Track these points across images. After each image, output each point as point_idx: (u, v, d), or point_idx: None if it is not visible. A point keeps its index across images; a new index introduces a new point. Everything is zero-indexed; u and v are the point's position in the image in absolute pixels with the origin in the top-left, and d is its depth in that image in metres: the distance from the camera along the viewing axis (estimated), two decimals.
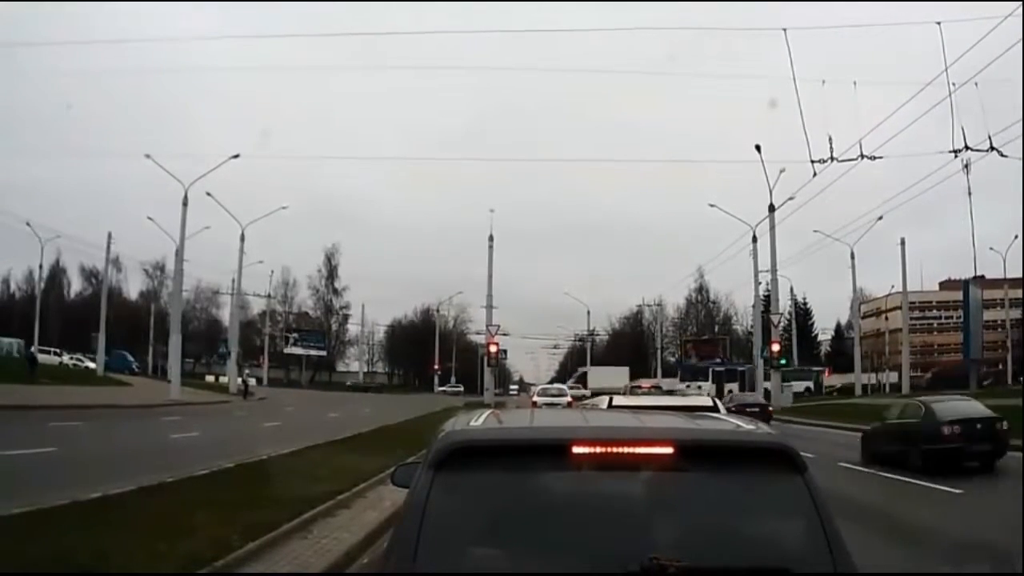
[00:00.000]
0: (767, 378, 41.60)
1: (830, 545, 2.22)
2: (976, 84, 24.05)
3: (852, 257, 52.19)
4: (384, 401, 47.80)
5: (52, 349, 51.56)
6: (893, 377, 58.89)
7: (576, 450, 2.29)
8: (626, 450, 2.36)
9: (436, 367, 70.35)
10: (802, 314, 71.55)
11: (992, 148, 23.52)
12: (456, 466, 2.29)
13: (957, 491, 11.84)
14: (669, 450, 2.31)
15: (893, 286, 60.65)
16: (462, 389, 69.66)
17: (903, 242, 49.62)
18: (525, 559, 2.17)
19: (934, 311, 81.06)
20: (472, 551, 2.21)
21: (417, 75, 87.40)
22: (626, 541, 2.19)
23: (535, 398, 35.25)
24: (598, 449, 2.31)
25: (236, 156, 38.57)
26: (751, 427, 2.73)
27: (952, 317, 73.07)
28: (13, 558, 5.87)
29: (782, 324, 46.05)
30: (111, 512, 7.85)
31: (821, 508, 2.29)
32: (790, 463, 2.37)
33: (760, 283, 44.37)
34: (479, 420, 2.69)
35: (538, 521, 2.22)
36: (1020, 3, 18.86)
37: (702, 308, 75.97)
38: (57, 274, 68.99)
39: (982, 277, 52.30)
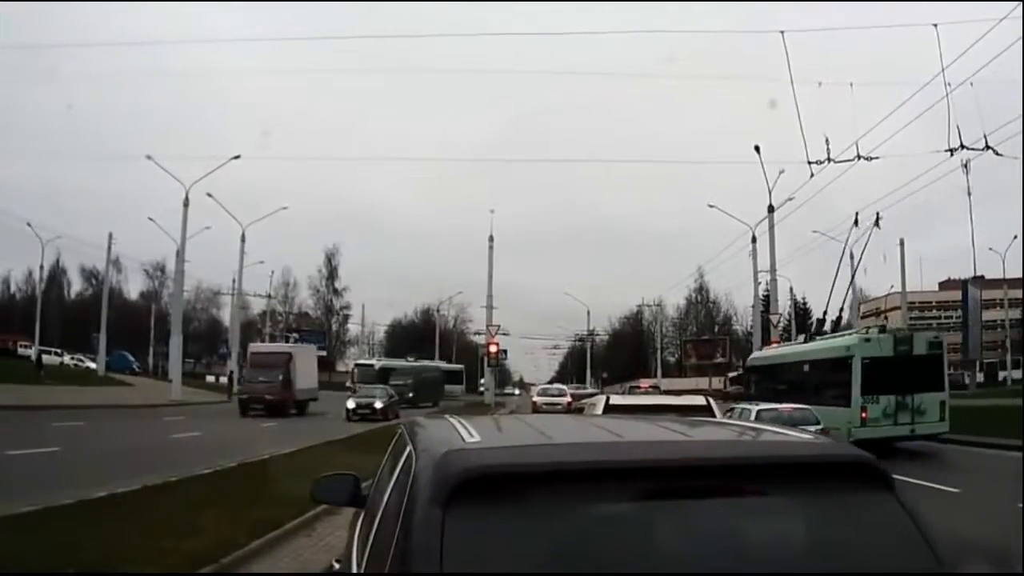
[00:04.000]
0: None
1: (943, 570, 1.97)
2: (971, 84, 24.13)
3: (852, 257, 52.08)
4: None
5: (53, 349, 51.60)
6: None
7: (631, 474, 1.84)
8: (689, 472, 1.90)
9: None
10: (801, 314, 71.62)
11: (988, 147, 23.55)
12: (472, 501, 1.72)
13: (957, 491, 11.89)
14: (742, 472, 1.94)
15: (892, 286, 60.73)
16: (462, 389, 69.74)
17: (902, 242, 49.68)
18: None
19: (933, 311, 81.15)
20: None
21: (418, 78, 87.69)
22: None
23: (535, 398, 35.33)
24: (653, 472, 1.87)
25: (237, 157, 38.61)
26: (816, 438, 2.32)
27: (952, 317, 73.12)
28: (21, 557, 5.92)
29: (781, 324, 46.03)
30: (116, 511, 7.91)
31: (924, 531, 2.02)
32: (877, 477, 2.00)
33: (760, 283, 44.35)
34: (472, 433, 2.16)
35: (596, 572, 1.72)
36: (1019, 3, 18.90)
37: (702, 308, 76.02)
38: (57, 274, 68.98)
39: (981, 277, 52.35)
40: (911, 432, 18.00)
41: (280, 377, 31.54)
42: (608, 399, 7.85)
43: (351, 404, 29.90)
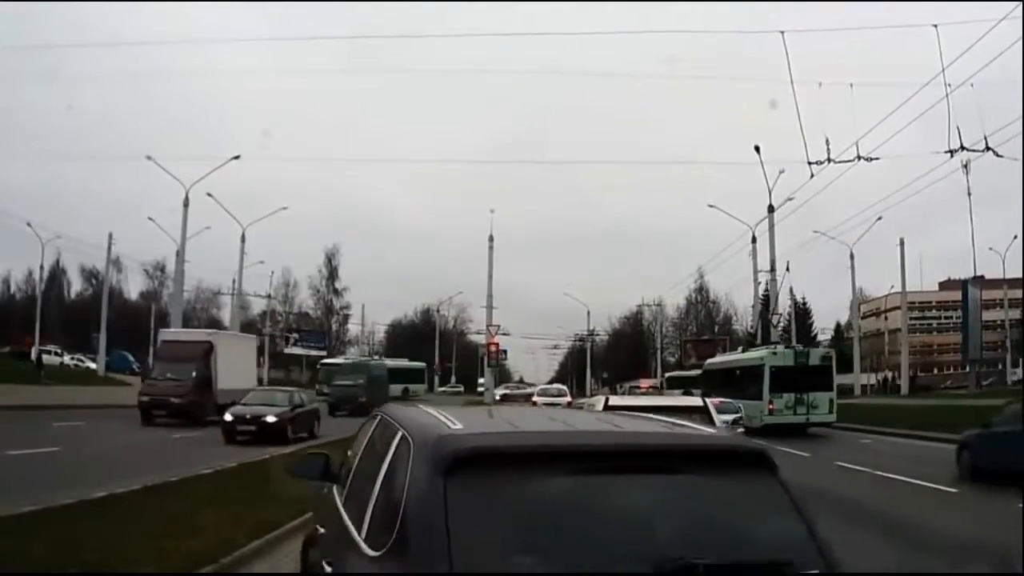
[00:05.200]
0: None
1: (815, 538, 2.50)
2: (972, 85, 24.17)
3: (852, 258, 52.29)
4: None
5: (53, 349, 51.58)
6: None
7: (578, 456, 2.51)
8: (621, 455, 2.59)
9: (436, 367, 70.43)
10: (802, 314, 71.59)
11: (988, 148, 23.58)
12: (463, 471, 2.33)
13: (957, 491, 11.90)
14: (661, 455, 2.62)
15: (893, 286, 60.79)
16: (462, 389, 69.69)
17: (902, 242, 49.78)
18: (556, 562, 2.23)
19: (933, 311, 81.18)
20: (502, 557, 2.21)
21: (418, 78, 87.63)
22: (641, 542, 2.36)
23: (535, 398, 35.37)
24: (574, 450, 2.56)
25: (237, 157, 38.58)
26: (729, 433, 3.16)
27: (952, 317, 73.14)
28: (21, 557, 5.92)
29: (781, 324, 46.05)
30: (117, 510, 7.92)
31: (799, 504, 2.56)
32: (765, 464, 2.66)
33: (760, 283, 44.40)
34: (454, 421, 2.72)
35: (555, 526, 2.33)
36: (1019, 3, 18.91)
37: (702, 308, 75.99)
38: (57, 274, 68.94)
39: (981, 277, 52.36)
40: (806, 420, 24.75)
41: (194, 374, 24.38)
42: (607, 400, 8.06)
43: (229, 416, 19.36)
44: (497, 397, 44.19)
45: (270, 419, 18.90)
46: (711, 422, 7.42)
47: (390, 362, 54.20)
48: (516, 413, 4.89)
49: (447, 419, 2.77)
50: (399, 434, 2.95)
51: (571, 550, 2.28)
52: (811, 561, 2.44)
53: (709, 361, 36.90)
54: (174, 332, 31.43)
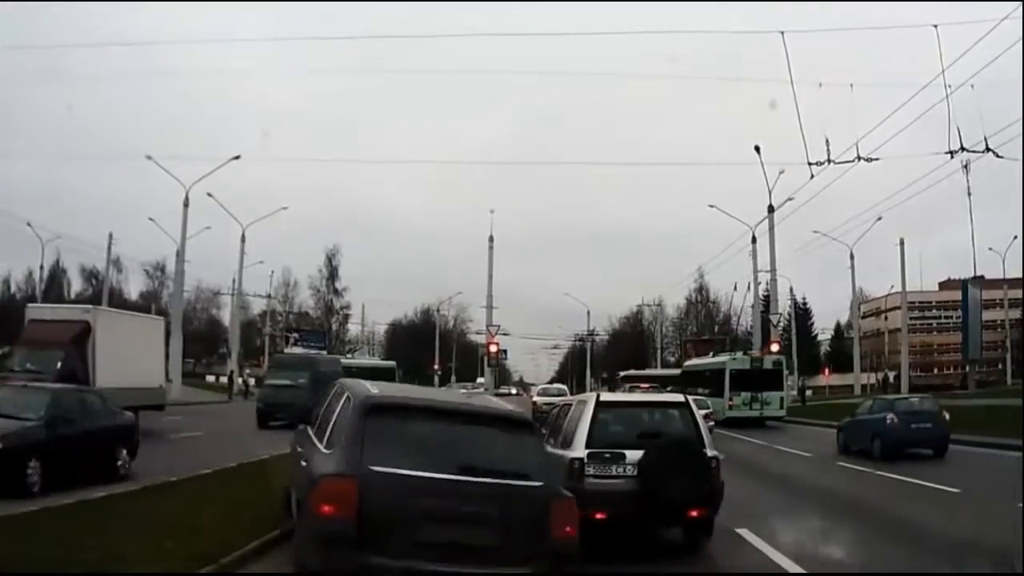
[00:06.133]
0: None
1: (553, 470, 6.02)
2: (972, 86, 24.17)
3: (852, 258, 52.25)
4: None
5: None
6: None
7: (428, 409, 5.79)
8: (450, 412, 5.83)
9: (436, 367, 70.35)
10: (802, 314, 71.57)
11: (988, 149, 23.57)
12: (375, 414, 5.44)
13: (957, 491, 11.89)
14: (475, 415, 5.86)
15: (892, 286, 60.74)
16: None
17: (902, 242, 49.71)
18: (409, 457, 5.23)
19: (933, 311, 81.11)
20: (390, 455, 5.21)
21: (419, 78, 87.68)
22: (454, 455, 5.32)
23: (535, 398, 35.42)
24: (439, 410, 5.85)
25: (237, 157, 38.60)
26: (516, 408, 6.59)
27: (952, 317, 73.07)
28: (21, 558, 5.91)
29: (781, 324, 46.06)
30: (117, 510, 7.92)
31: (543, 448, 6.26)
32: (531, 427, 6.05)
33: (760, 283, 44.44)
34: (375, 389, 6.05)
35: (417, 443, 5.38)
36: (1019, 3, 18.90)
37: (702, 308, 75.96)
38: (57, 275, 68.83)
39: (981, 277, 52.31)
40: (760, 415, 29.89)
41: (59, 364, 17.42)
42: (599, 396, 8.56)
43: None
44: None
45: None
46: (692, 417, 8.21)
47: (359, 360, 50.96)
48: (422, 391, 8.06)
49: (373, 388, 6.06)
50: (346, 394, 6.13)
51: (420, 455, 5.27)
52: (542, 477, 5.50)
53: (686, 364, 43.48)
54: (41, 308, 24.30)
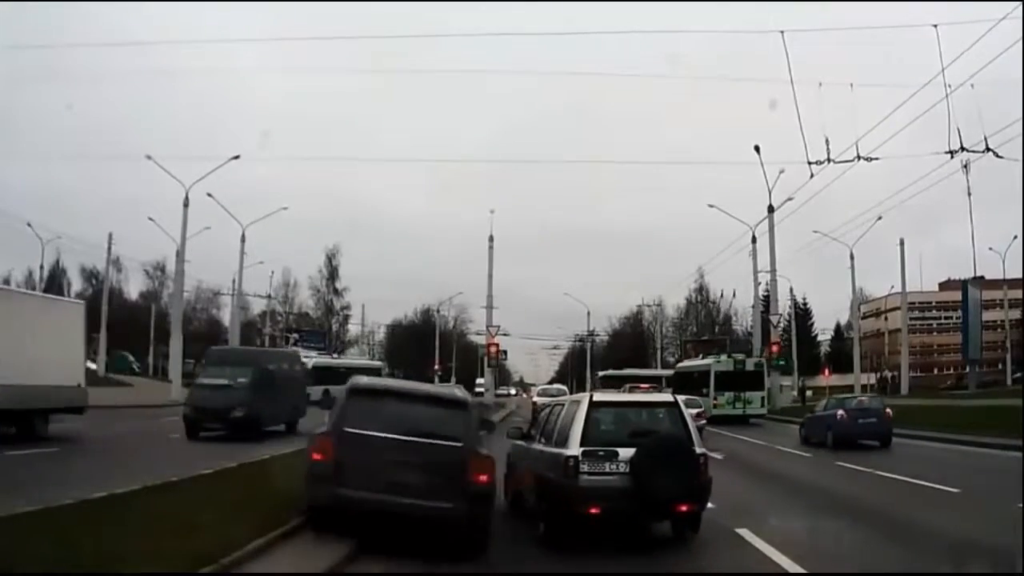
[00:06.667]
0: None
1: (475, 436, 8.20)
2: (972, 86, 24.18)
3: (852, 258, 52.23)
4: None
5: None
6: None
7: (393, 392, 8.70)
8: (409, 395, 8.55)
9: (436, 367, 70.34)
10: (802, 315, 71.57)
11: (988, 149, 23.59)
12: (356, 395, 8.21)
13: (957, 491, 11.89)
14: (426, 396, 8.52)
15: (892, 286, 60.74)
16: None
17: (902, 242, 49.73)
18: (373, 423, 7.65)
19: (933, 311, 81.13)
20: (361, 422, 7.70)
21: (419, 78, 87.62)
22: (403, 423, 7.70)
23: (535, 398, 35.44)
24: (401, 393, 8.69)
25: (237, 157, 38.52)
26: (460, 392, 9.29)
27: (952, 318, 73.10)
28: (20, 558, 5.90)
29: (781, 325, 46.08)
30: (117, 510, 7.91)
31: (473, 423, 8.20)
32: (465, 406, 8.35)
33: (760, 283, 44.48)
34: (363, 380, 9.13)
35: (381, 414, 7.81)
36: (1019, 3, 18.90)
37: (702, 308, 75.94)
38: (57, 275, 68.74)
39: (981, 277, 52.31)
40: (743, 413, 32.81)
41: None
42: (592, 396, 8.81)
43: None
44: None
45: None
46: (682, 416, 8.53)
47: (347, 360, 49.24)
48: (395, 381, 11.71)
49: (362, 379, 9.13)
50: (348, 384, 8.61)
51: (381, 422, 7.64)
52: (465, 440, 7.75)
53: (678, 365, 47.06)
54: None
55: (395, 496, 7.27)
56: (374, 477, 7.31)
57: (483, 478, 7.61)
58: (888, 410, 20.98)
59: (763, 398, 34.20)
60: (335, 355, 47.50)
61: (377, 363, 58.59)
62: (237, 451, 14.62)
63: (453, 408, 8.16)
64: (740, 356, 36.22)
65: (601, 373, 57.28)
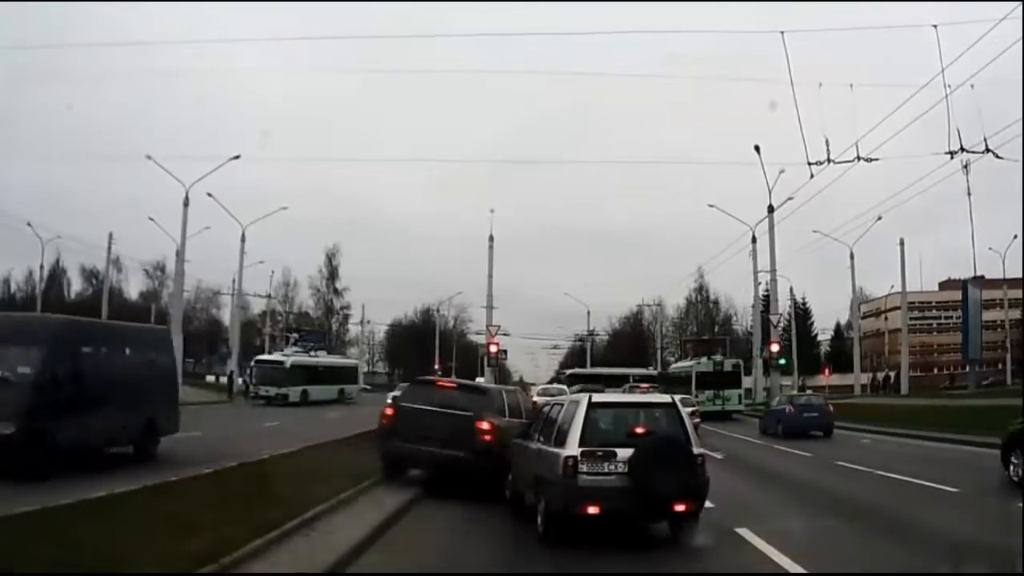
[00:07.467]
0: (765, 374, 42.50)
1: (481, 408, 11.67)
2: (972, 86, 24.23)
3: (852, 258, 52.33)
4: (384, 400, 47.18)
5: None
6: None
7: (432, 382, 13.91)
8: (444, 384, 13.30)
9: (436, 367, 70.32)
10: (802, 315, 71.56)
11: (988, 150, 23.63)
12: (413, 384, 14.71)
13: (957, 491, 11.89)
14: (456, 385, 13.21)
15: (892, 286, 60.77)
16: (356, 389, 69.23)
17: (902, 242, 49.80)
18: (419, 401, 12.08)
19: (933, 311, 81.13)
20: (411, 400, 12.34)
21: (419, 78, 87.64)
22: (438, 400, 11.83)
23: (536, 398, 35.44)
24: (438, 383, 13.59)
25: (237, 157, 38.63)
26: (482, 382, 22.65)
27: (952, 317, 73.10)
28: (19, 559, 5.90)
29: (781, 324, 46.10)
30: (117, 511, 7.91)
31: (487, 402, 12.02)
32: (482, 391, 13.01)
33: (760, 283, 44.58)
34: (398, 392, 21.13)
35: (424, 395, 12.33)
36: (1019, 3, 18.92)
37: (702, 308, 75.97)
38: (57, 274, 68.96)
39: (981, 277, 52.31)
40: (722, 409, 36.24)
41: None
42: (591, 397, 8.81)
43: None
44: None
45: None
46: (679, 416, 8.56)
47: (324, 358, 48.06)
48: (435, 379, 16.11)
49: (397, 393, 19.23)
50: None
51: (424, 401, 11.96)
52: (474, 411, 11.42)
53: (670, 367, 52.09)
54: None
55: (428, 446, 11.15)
56: (416, 433, 11.31)
57: (486, 437, 11.06)
58: (830, 406, 25.26)
59: (740, 395, 38.29)
60: (312, 354, 46.74)
61: (351, 361, 58.29)
62: None
63: (471, 392, 12.46)
64: (719, 358, 39.88)
65: (568, 372, 58.77)
